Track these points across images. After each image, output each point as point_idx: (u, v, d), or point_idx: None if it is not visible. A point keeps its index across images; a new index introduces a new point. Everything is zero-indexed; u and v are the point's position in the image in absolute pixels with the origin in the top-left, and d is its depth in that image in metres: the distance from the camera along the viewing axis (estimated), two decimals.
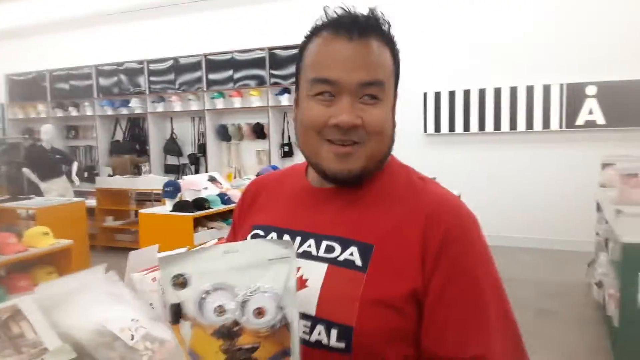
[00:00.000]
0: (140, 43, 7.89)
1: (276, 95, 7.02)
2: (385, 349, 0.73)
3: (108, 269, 0.85)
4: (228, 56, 7.28)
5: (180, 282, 0.67)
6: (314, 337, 0.73)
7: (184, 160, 7.94)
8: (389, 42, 0.79)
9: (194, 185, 4.41)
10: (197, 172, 7.62)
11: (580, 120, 5.72)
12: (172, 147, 7.93)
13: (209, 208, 4.17)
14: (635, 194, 3.18)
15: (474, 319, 0.74)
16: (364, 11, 0.79)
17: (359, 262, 0.74)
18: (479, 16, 6.08)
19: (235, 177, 7.17)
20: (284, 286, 0.66)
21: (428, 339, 0.74)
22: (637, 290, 2.01)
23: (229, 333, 0.64)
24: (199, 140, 7.82)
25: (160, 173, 7.73)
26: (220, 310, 0.65)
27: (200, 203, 4.15)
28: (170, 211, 4.05)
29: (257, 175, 5.32)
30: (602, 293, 3.71)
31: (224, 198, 4.40)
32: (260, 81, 7.12)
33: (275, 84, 7.00)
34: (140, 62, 7.87)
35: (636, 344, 2.09)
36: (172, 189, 4.20)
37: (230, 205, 4.39)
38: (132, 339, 1.32)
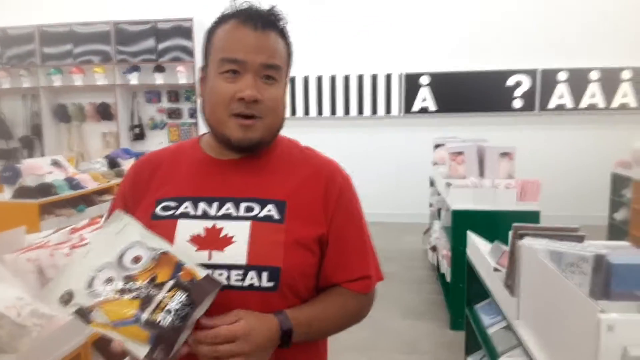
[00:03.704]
0: None
1: (124, 73, 6.63)
2: (300, 283, 0.91)
3: None
4: (66, 28, 6.64)
5: (67, 298, 0.78)
6: (247, 282, 0.86)
7: (14, 143, 7.08)
8: (284, 36, 0.95)
9: (36, 169, 4.00)
10: (30, 156, 6.86)
11: (416, 107, 6.45)
12: None
13: (55, 194, 3.85)
14: (461, 169, 3.76)
15: (362, 249, 0.99)
16: (265, 7, 0.93)
17: (277, 216, 0.90)
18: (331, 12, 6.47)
19: (78, 162, 6.62)
20: (139, 235, 0.83)
21: (330, 267, 0.95)
22: (465, 248, 2.41)
23: (127, 284, 0.78)
24: (32, 121, 7.03)
25: None
26: (109, 280, 0.79)
27: (45, 189, 3.80)
28: (11, 198, 3.66)
29: (106, 159, 5.01)
30: (436, 256, 4.32)
31: (72, 183, 4.08)
32: (105, 57, 6.64)
33: (123, 61, 6.60)
34: None
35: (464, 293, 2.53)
36: (11, 174, 3.77)
37: (80, 191, 4.11)
38: (19, 316, 1.28)
